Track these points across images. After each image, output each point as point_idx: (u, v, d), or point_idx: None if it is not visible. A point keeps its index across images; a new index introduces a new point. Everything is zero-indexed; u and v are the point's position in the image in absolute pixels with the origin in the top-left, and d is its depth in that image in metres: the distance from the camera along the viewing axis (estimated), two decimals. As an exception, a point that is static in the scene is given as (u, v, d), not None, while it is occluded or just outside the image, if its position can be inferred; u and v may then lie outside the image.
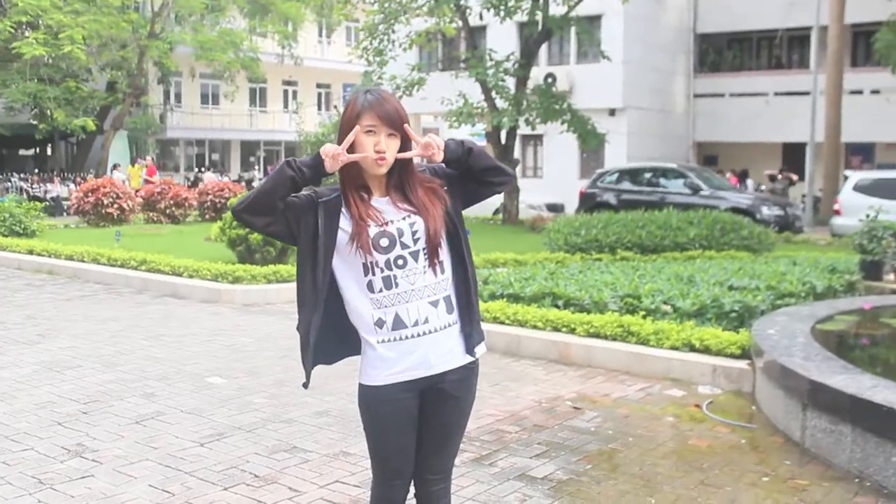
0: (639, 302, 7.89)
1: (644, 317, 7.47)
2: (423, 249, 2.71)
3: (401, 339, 2.72)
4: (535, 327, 7.62)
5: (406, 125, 2.70)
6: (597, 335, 7.26)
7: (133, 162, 33.11)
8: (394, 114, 2.67)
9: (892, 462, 4.47)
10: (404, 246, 2.70)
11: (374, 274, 2.70)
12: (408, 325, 2.72)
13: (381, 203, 2.73)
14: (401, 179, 2.75)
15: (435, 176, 2.81)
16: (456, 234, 2.78)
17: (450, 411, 2.84)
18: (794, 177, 27.24)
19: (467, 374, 2.83)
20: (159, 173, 32.40)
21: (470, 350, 2.81)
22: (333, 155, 2.65)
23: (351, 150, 2.67)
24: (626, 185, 20.69)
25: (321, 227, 2.71)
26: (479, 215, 21.49)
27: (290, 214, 2.72)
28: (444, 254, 2.77)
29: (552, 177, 29.49)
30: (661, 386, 6.47)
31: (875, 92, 28.28)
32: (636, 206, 16.96)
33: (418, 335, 2.72)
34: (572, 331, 7.40)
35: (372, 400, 2.80)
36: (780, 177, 26.38)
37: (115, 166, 30.75)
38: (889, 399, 4.59)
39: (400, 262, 2.70)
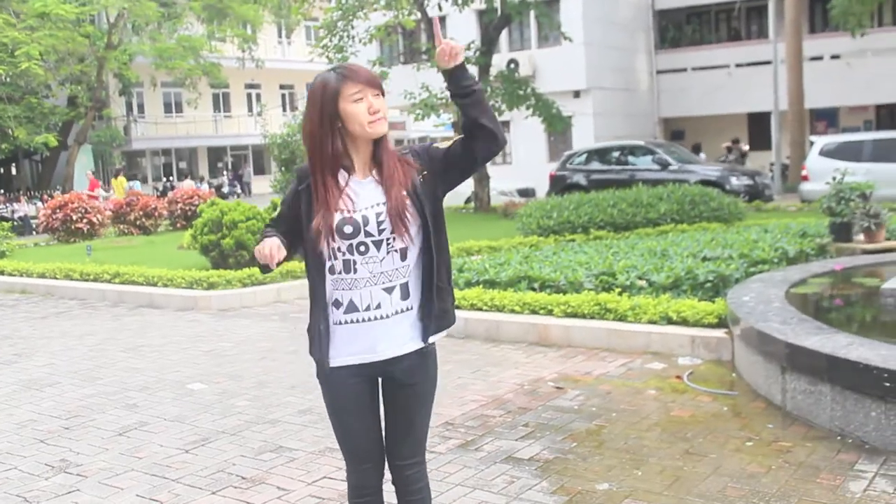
0: (614, 279, 7.94)
1: (620, 293, 7.51)
2: (387, 240, 2.71)
3: (352, 321, 2.75)
4: (513, 311, 7.63)
5: (437, 31, 2.70)
6: (575, 315, 7.28)
7: (116, 174, 32.94)
8: (371, 76, 2.70)
9: (871, 417, 4.53)
10: (368, 234, 2.70)
11: (335, 258, 2.73)
12: (360, 308, 2.74)
13: (360, 185, 2.74)
14: (377, 151, 2.76)
15: (417, 159, 2.78)
16: (425, 219, 2.75)
17: (407, 397, 2.86)
18: (745, 147, 27.58)
19: (420, 360, 2.83)
20: (132, 185, 32.20)
21: (425, 336, 2.80)
22: (270, 255, 2.67)
23: (342, 131, 2.68)
24: (596, 165, 20.75)
25: (304, 215, 2.76)
26: (451, 204, 21.49)
27: (297, 229, 2.79)
28: (410, 240, 2.74)
29: (521, 162, 29.54)
30: (641, 360, 6.50)
31: (835, 57, 28.56)
32: (606, 185, 17.03)
33: (369, 320, 2.74)
34: (550, 312, 7.42)
35: (325, 383, 2.86)
36: (733, 148, 26.66)
37: None
38: (864, 356, 4.65)
39: (362, 248, 2.71)
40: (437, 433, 5.08)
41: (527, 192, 24.44)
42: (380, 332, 2.74)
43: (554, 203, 13.95)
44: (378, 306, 2.73)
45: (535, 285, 8.25)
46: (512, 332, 7.43)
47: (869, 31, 25.77)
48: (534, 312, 7.53)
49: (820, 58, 28.51)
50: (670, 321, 6.81)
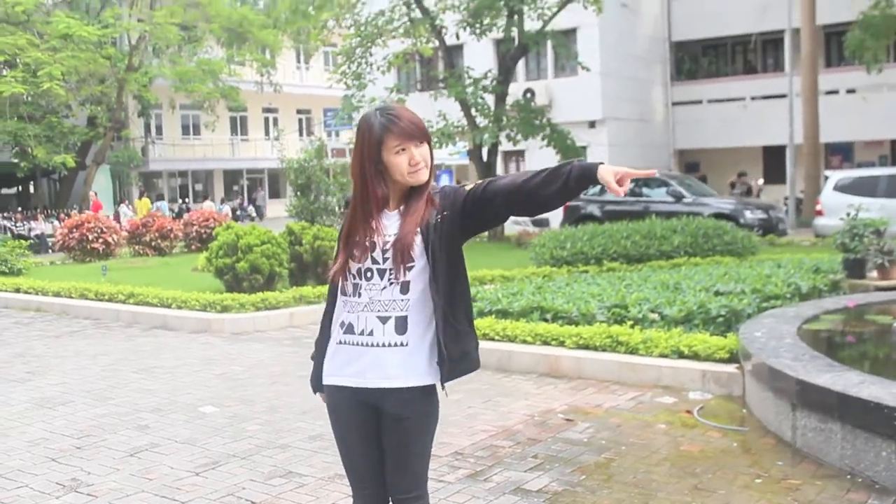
0: (626, 312, 7.94)
1: (632, 326, 7.51)
2: (390, 270, 2.77)
3: (348, 343, 2.83)
4: (524, 342, 7.65)
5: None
6: (586, 347, 7.29)
7: (140, 195, 33.51)
8: (413, 127, 2.75)
9: (882, 457, 4.52)
10: (374, 261, 2.79)
11: (346, 279, 2.84)
12: (356, 332, 2.82)
13: (388, 217, 2.82)
14: (411, 190, 2.83)
15: (443, 199, 2.81)
16: (440, 260, 2.77)
17: (400, 432, 2.85)
18: (754, 183, 27.59)
19: (413, 397, 2.81)
20: (158, 205, 32.78)
21: (422, 375, 2.80)
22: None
23: (384, 172, 2.77)
24: (610, 196, 20.76)
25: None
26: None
27: None
28: (415, 275, 2.78)
29: (536, 191, 29.57)
30: (652, 394, 6.51)
31: (851, 91, 28.57)
32: (620, 216, 17.01)
33: (362, 345, 2.81)
34: (562, 344, 7.43)
35: (327, 400, 2.97)
36: (737, 183, 26.67)
37: (121, 201, 31.18)
38: (875, 394, 4.64)
39: (368, 274, 2.79)
40: (445, 462, 5.10)
41: (540, 222, 24.43)
42: (370, 359, 2.80)
43: (568, 234, 13.97)
44: (371, 333, 2.79)
45: (548, 316, 8.27)
46: (523, 362, 7.44)
47: (885, 65, 25.83)
48: (545, 343, 7.54)
49: (836, 92, 28.53)
50: (682, 355, 6.81)
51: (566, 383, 6.97)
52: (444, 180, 33.66)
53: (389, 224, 2.80)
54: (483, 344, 7.60)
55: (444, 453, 5.24)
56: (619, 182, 2.59)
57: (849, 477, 4.63)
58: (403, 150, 2.73)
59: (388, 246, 2.76)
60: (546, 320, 8.21)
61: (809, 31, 25.14)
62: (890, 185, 17.53)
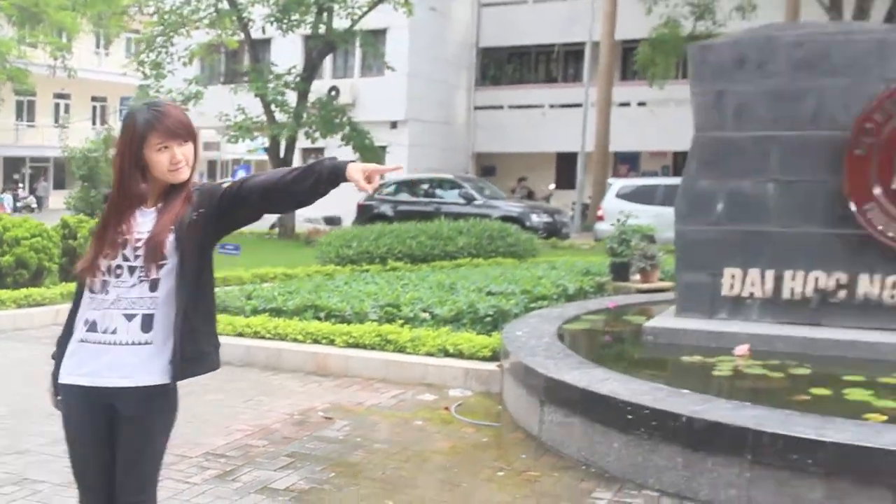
0: (399, 311, 8.05)
1: (403, 325, 7.62)
2: (140, 268, 2.73)
3: (90, 341, 2.76)
4: (295, 340, 7.60)
5: None
6: (356, 345, 7.33)
7: None
8: (179, 125, 2.73)
9: (613, 448, 4.79)
10: (125, 258, 2.74)
11: (95, 276, 2.76)
12: (99, 330, 2.75)
13: (144, 214, 2.77)
14: (171, 188, 2.79)
15: (200, 197, 2.79)
16: (191, 259, 2.76)
17: (132, 432, 2.81)
18: (544, 187, 28.95)
19: (148, 397, 2.77)
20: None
21: (173, 377, 2.78)
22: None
23: (145, 169, 2.73)
24: (404, 196, 21.01)
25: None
26: (254, 230, 21.12)
27: None
28: (165, 273, 2.75)
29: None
30: (414, 391, 6.61)
31: (641, 104, 30.21)
32: (412, 216, 17.20)
33: (104, 343, 2.75)
34: (332, 342, 7.44)
35: (61, 400, 2.86)
36: (517, 187, 27.92)
37: None
38: (614, 390, 4.93)
39: (118, 271, 2.75)
40: (195, 463, 4.98)
41: (333, 220, 24.36)
42: (111, 357, 2.74)
43: (355, 233, 14.02)
44: (114, 331, 2.74)
45: (322, 314, 8.26)
46: (292, 360, 7.39)
47: (671, 81, 27.46)
48: (316, 342, 7.52)
49: (628, 104, 30.09)
50: (447, 353, 6.96)
51: (332, 381, 6.98)
52: (242, 175, 33.03)
53: (144, 221, 2.75)
54: (253, 342, 7.60)
55: (195, 454, 5.12)
56: (368, 179, 2.68)
57: (584, 468, 4.88)
58: (166, 147, 2.70)
59: (140, 243, 2.72)
60: (320, 319, 8.20)
61: (608, 45, 26.42)
62: (667, 194, 18.53)
